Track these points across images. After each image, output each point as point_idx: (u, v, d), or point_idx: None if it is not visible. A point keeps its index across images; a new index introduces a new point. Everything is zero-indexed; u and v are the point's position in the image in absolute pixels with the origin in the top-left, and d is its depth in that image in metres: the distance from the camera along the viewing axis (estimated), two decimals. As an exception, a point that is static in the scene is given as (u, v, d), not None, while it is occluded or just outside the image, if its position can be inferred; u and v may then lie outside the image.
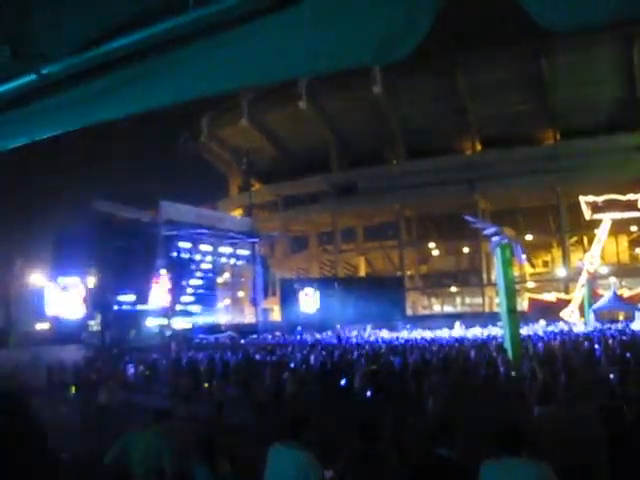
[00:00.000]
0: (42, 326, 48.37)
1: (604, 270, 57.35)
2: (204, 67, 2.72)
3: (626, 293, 52.31)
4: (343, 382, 17.98)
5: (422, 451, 6.33)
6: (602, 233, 51.94)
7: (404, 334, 45.16)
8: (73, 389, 23.72)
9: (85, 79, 2.75)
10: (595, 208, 50.65)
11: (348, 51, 2.48)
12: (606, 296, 47.37)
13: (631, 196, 50.18)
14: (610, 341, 25.49)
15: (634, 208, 50.15)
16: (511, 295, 25.40)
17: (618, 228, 63.02)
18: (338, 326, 54.73)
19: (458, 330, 48.81)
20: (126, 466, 6.82)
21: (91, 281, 49.25)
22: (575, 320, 49.68)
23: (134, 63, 2.66)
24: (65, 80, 2.78)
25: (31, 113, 3.02)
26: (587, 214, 51.35)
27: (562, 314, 52.11)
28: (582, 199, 51.47)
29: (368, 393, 15.75)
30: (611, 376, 15.69)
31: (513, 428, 5.06)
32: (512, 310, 24.85)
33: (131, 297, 50.15)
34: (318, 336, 47.06)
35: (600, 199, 50.69)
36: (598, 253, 52.50)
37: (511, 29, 53.41)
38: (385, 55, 2.44)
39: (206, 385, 21.94)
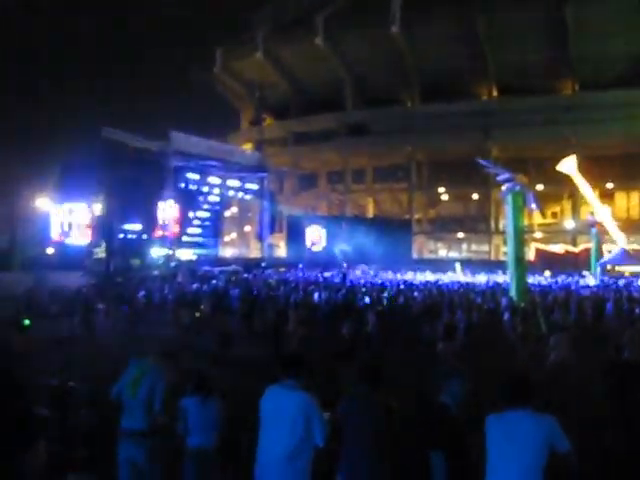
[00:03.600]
0: (47, 251, 48.34)
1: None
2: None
3: (633, 249, 51.94)
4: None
5: (424, 397, 6.22)
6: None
7: (409, 276, 45.10)
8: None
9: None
10: None
11: None
12: (614, 251, 47.05)
13: None
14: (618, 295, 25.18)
15: None
16: (519, 243, 25.33)
17: (630, 184, 62.55)
18: (345, 264, 54.64)
19: (460, 273, 48.78)
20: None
21: (97, 208, 49.10)
22: None
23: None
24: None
25: None
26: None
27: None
28: None
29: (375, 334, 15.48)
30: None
31: (523, 379, 4.88)
32: (520, 258, 24.84)
33: (137, 226, 49.98)
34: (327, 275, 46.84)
35: None
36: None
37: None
38: None
39: (202, 317, 21.83)
